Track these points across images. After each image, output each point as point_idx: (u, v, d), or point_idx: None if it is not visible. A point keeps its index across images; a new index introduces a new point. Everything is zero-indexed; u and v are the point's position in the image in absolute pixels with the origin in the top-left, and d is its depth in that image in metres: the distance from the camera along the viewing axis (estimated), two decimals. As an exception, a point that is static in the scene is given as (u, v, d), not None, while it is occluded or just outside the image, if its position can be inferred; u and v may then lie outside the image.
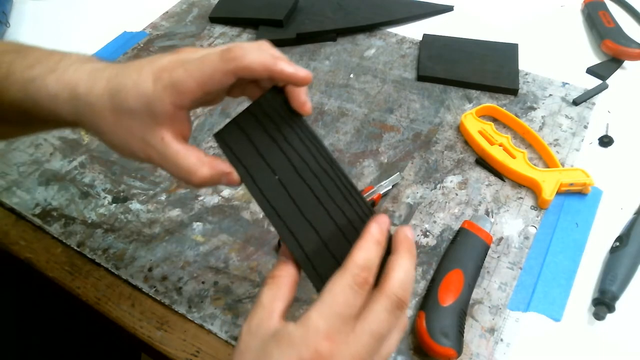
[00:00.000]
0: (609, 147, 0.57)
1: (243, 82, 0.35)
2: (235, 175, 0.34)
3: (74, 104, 0.34)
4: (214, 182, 0.34)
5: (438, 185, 0.54)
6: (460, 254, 0.46)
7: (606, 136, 0.57)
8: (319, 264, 0.32)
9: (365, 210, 0.34)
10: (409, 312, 0.45)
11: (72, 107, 0.34)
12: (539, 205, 0.52)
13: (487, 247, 0.47)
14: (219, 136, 0.34)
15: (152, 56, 0.34)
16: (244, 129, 0.34)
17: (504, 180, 0.54)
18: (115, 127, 0.33)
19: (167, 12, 0.80)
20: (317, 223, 0.33)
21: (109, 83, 0.33)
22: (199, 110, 0.64)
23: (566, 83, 0.64)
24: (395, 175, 0.54)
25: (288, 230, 0.33)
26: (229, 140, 0.34)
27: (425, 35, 0.71)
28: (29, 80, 0.35)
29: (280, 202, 0.33)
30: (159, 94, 0.31)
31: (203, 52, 0.32)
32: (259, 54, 0.31)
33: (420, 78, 0.66)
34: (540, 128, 0.59)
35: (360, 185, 0.54)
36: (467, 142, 0.58)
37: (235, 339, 0.44)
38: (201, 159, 0.33)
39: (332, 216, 0.33)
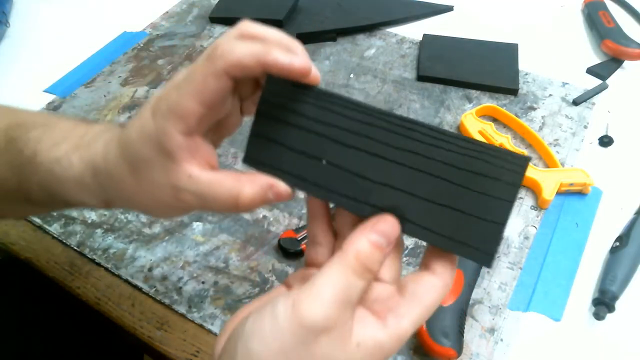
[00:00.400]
0: (609, 147, 0.57)
1: (247, 86, 0.32)
2: (282, 186, 0.30)
3: (97, 181, 0.31)
4: (263, 201, 0.30)
5: (438, 185, 0.54)
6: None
7: (606, 136, 0.57)
8: (457, 234, 0.27)
9: (462, 144, 0.27)
10: (409, 312, 0.45)
11: (97, 186, 0.32)
12: (539, 205, 0.52)
13: (487, 247, 0.46)
14: (248, 159, 0.31)
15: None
16: (265, 135, 0.30)
17: (504, 180, 0.54)
18: (139, 187, 0.30)
19: (167, 12, 0.80)
20: (410, 186, 0.28)
21: (119, 143, 0.30)
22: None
23: (566, 83, 0.64)
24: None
25: (380, 209, 0.28)
26: (258, 156, 0.30)
27: (425, 35, 0.71)
28: (55, 161, 0.33)
29: (348, 185, 0.28)
30: (161, 128, 0.28)
31: (193, 65, 0.29)
32: (248, 46, 0.28)
33: (420, 78, 0.66)
34: (540, 128, 0.59)
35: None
36: (467, 142, 0.58)
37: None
38: (239, 179, 0.29)
39: (422, 169, 0.28)
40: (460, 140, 0.27)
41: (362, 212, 0.28)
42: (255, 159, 0.31)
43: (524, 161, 0.27)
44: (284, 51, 0.29)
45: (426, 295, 0.28)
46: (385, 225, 0.28)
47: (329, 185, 0.29)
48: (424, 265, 0.29)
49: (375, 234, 0.27)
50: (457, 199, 0.27)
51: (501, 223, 0.27)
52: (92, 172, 0.31)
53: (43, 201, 0.36)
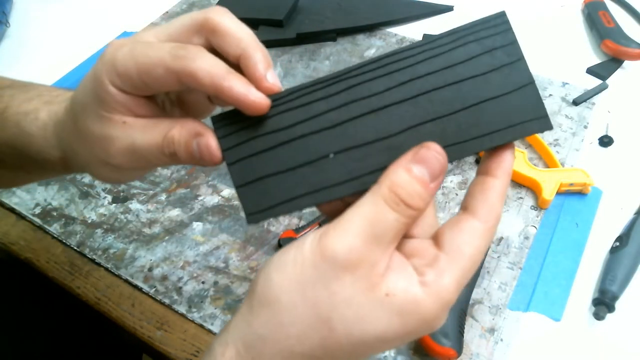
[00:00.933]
0: (609, 147, 0.57)
1: (196, 98, 0.31)
2: (211, 141, 0.26)
3: (56, 131, 0.31)
4: (188, 149, 0.27)
5: (438, 185, 0.54)
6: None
7: (606, 136, 0.57)
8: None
9: (439, 43, 0.26)
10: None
11: (55, 137, 0.31)
12: (539, 205, 0.52)
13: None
14: (251, 216, 0.26)
15: None
16: (253, 178, 0.26)
17: (504, 180, 0.54)
18: (79, 138, 0.29)
19: (167, 12, 0.80)
20: (426, 113, 0.25)
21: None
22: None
23: (566, 83, 0.64)
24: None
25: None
26: (260, 204, 0.26)
27: (425, 36, 0.71)
28: (24, 114, 0.33)
29: (368, 159, 0.25)
30: (98, 75, 0.27)
31: (163, 38, 0.28)
32: (213, 63, 0.26)
33: (420, 78, 0.66)
34: (540, 128, 0.59)
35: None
36: (467, 142, 0.58)
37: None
38: (173, 121, 0.28)
39: (424, 91, 0.25)
40: (434, 42, 0.26)
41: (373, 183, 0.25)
42: (259, 209, 0.26)
43: (502, 16, 0.26)
44: (244, 81, 0.26)
45: (467, 243, 0.24)
46: (428, 152, 0.24)
47: (350, 174, 0.25)
48: (463, 208, 0.26)
49: (416, 163, 0.24)
50: (474, 93, 0.25)
51: (530, 82, 0.25)
52: (54, 123, 0.31)
53: (12, 162, 0.36)
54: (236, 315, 0.26)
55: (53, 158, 0.32)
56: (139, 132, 0.28)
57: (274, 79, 0.27)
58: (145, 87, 0.27)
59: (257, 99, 0.26)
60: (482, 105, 0.25)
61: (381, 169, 0.24)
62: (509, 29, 0.26)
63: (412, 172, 0.23)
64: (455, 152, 0.25)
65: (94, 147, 0.29)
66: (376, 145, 0.25)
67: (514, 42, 0.26)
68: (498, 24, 0.26)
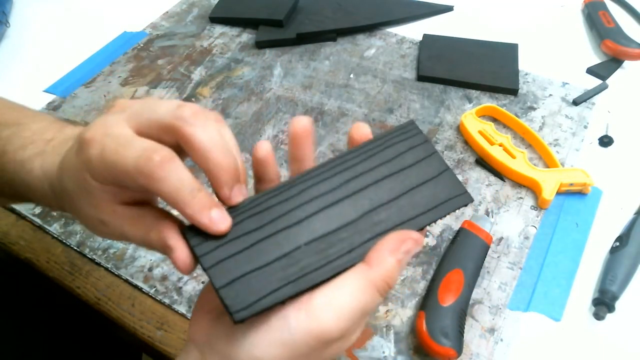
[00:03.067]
0: (609, 147, 0.57)
1: None
2: (179, 258, 0.27)
3: (53, 191, 0.32)
4: (161, 251, 0.28)
5: (438, 185, 0.54)
6: (460, 254, 0.46)
7: (606, 136, 0.57)
8: None
9: (370, 147, 0.31)
10: (409, 312, 0.45)
11: (53, 196, 0.32)
12: (539, 205, 0.52)
13: (487, 247, 0.47)
14: (237, 314, 0.26)
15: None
16: (234, 277, 0.27)
17: (504, 181, 0.54)
18: (77, 211, 0.30)
19: (167, 12, 0.80)
20: (371, 202, 0.30)
21: (60, 167, 0.30)
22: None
23: (566, 83, 0.64)
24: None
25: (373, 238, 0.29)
26: (244, 300, 0.26)
27: (425, 35, 0.71)
28: (20, 163, 0.33)
29: (334, 244, 0.28)
30: (80, 170, 0.27)
31: (134, 128, 0.27)
32: (177, 186, 0.25)
33: (420, 78, 0.66)
34: (540, 128, 0.59)
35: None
36: (467, 142, 0.58)
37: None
38: (155, 220, 0.28)
39: (367, 185, 0.30)
40: (369, 144, 0.31)
41: (353, 261, 0.28)
42: (244, 306, 0.26)
43: (411, 124, 0.32)
44: (204, 204, 0.26)
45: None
46: (411, 244, 0.28)
47: (323, 259, 0.28)
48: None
49: (403, 253, 0.27)
50: (408, 181, 0.30)
51: (446, 169, 0.31)
52: (49, 182, 0.32)
53: (13, 196, 0.37)
54: None
55: (53, 207, 0.34)
56: (127, 223, 0.28)
57: (238, 197, 0.28)
58: (124, 185, 0.27)
59: (215, 226, 0.27)
60: (415, 190, 0.30)
61: (349, 251, 0.28)
62: (418, 133, 0.32)
63: (401, 262, 0.27)
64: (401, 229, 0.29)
65: (94, 222, 0.29)
66: (340, 232, 0.29)
67: (426, 141, 0.32)
68: (409, 130, 0.32)
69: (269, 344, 0.26)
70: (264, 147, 0.30)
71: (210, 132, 0.26)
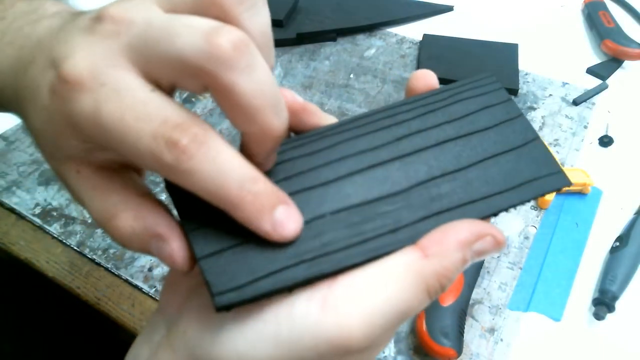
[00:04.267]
0: (609, 147, 0.57)
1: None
2: (175, 250, 0.19)
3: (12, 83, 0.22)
4: (142, 245, 0.20)
5: (438, 185, 0.54)
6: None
7: (606, 136, 0.57)
8: None
9: (435, 98, 0.24)
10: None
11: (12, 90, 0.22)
12: (539, 205, 0.52)
13: (487, 247, 0.46)
14: (221, 299, 0.18)
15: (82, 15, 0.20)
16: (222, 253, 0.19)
17: (504, 180, 0.54)
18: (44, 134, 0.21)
19: (167, 12, 0.80)
20: (434, 168, 0.22)
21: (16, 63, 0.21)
22: (199, 110, 0.64)
23: (566, 83, 0.64)
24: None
25: (419, 221, 0.21)
26: (234, 281, 0.19)
27: (425, 35, 0.71)
28: None
29: (368, 223, 0.21)
30: (55, 117, 0.19)
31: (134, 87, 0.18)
32: (220, 177, 0.18)
33: (420, 78, 0.66)
34: (540, 128, 0.59)
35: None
36: (467, 142, 0.58)
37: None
38: (126, 200, 0.20)
39: (429, 145, 0.23)
40: (428, 98, 0.24)
41: (399, 244, 0.20)
42: (233, 287, 0.18)
43: (489, 76, 0.26)
44: (266, 210, 0.19)
45: None
46: (490, 243, 0.20)
47: (353, 238, 0.20)
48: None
49: (475, 253, 0.20)
50: (480, 148, 0.23)
51: (535, 137, 0.24)
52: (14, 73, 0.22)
53: None
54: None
55: (6, 101, 0.24)
56: (89, 192, 0.21)
57: (271, 163, 0.21)
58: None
59: (280, 233, 0.19)
60: (490, 161, 0.23)
61: (393, 230, 0.20)
62: (499, 88, 0.25)
63: (466, 263, 0.20)
64: (466, 213, 0.21)
65: (49, 159, 0.22)
66: (381, 204, 0.21)
67: (509, 100, 0.24)
68: (489, 84, 0.25)
69: (260, 339, 0.18)
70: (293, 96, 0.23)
71: (261, 78, 0.18)
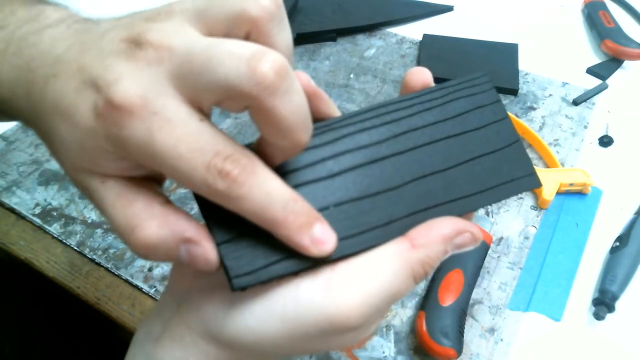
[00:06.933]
0: (609, 147, 0.57)
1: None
2: (208, 250, 0.21)
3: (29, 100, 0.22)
4: (169, 253, 0.21)
5: (438, 185, 0.54)
6: (460, 253, 0.45)
7: (606, 136, 0.57)
8: None
9: (427, 97, 0.25)
10: (409, 312, 0.45)
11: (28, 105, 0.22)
12: (539, 205, 0.52)
13: (487, 247, 0.46)
14: (237, 279, 0.21)
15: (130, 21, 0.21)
16: (239, 238, 0.22)
17: (504, 180, 0.54)
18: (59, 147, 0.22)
19: (167, 12, 0.80)
20: (422, 167, 0.24)
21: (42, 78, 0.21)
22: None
23: (566, 83, 0.64)
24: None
25: (411, 215, 0.23)
26: (249, 265, 0.21)
27: (425, 35, 0.71)
28: None
29: (365, 215, 0.23)
30: (98, 136, 0.19)
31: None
32: (267, 201, 0.20)
33: (420, 78, 0.66)
34: (540, 128, 0.59)
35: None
36: (467, 142, 0.58)
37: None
38: (151, 210, 0.21)
39: (418, 144, 0.25)
40: (426, 95, 0.26)
41: (391, 236, 0.23)
42: (249, 271, 0.21)
43: (483, 76, 0.27)
44: (305, 228, 0.21)
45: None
46: (468, 238, 0.23)
47: (353, 228, 0.23)
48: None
49: (455, 246, 0.23)
50: (467, 148, 0.25)
51: (517, 140, 0.25)
52: (26, 90, 0.22)
53: None
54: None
55: (23, 118, 0.24)
56: (113, 201, 0.21)
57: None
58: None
59: (319, 248, 0.21)
60: (475, 161, 0.25)
61: (387, 223, 0.23)
62: (491, 88, 0.26)
63: (447, 254, 0.23)
64: (450, 210, 0.24)
65: (69, 169, 0.22)
66: (379, 199, 0.23)
67: (498, 101, 0.26)
68: (481, 84, 0.27)
69: (268, 316, 0.21)
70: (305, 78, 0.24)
71: (297, 101, 0.19)
